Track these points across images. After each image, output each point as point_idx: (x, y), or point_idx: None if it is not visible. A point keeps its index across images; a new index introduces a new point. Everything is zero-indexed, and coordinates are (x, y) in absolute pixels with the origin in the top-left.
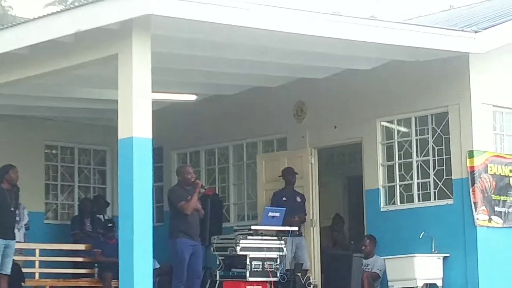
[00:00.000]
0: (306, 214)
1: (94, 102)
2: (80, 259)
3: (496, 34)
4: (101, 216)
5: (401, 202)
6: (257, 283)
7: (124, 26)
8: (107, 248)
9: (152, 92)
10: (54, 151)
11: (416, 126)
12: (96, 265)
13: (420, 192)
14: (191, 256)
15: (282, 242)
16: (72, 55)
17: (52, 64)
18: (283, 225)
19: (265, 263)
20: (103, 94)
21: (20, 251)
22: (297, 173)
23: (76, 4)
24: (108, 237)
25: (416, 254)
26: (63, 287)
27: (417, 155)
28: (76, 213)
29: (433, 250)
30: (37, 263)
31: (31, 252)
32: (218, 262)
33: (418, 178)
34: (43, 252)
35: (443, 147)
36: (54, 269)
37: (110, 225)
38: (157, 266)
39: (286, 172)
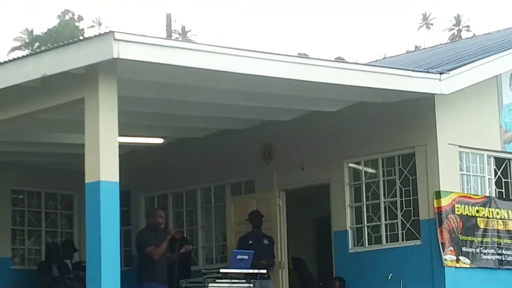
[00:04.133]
0: (274, 257)
1: (61, 146)
2: None
3: (461, 75)
4: (68, 261)
5: (369, 244)
6: None
7: (90, 70)
8: None
9: (119, 135)
10: (20, 196)
11: (383, 167)
12: None
13: (388, 233)
14: None
15: (251, 285)
16: (38, 99)
17: (18, 109)
18: (251, 268)
19: None
20: (70, 139)
21: None
22: (263, 216)
23: (42, 48)
24: (76, 276)
25: None
26: None
27: (384, 196)
28: (43, 258)
29: None
30: None
31: None
32: None
33: (386, 219)
34: None
35: (410, 188)
36: None
37: (83, 264)
38: None
39: (252, 216)
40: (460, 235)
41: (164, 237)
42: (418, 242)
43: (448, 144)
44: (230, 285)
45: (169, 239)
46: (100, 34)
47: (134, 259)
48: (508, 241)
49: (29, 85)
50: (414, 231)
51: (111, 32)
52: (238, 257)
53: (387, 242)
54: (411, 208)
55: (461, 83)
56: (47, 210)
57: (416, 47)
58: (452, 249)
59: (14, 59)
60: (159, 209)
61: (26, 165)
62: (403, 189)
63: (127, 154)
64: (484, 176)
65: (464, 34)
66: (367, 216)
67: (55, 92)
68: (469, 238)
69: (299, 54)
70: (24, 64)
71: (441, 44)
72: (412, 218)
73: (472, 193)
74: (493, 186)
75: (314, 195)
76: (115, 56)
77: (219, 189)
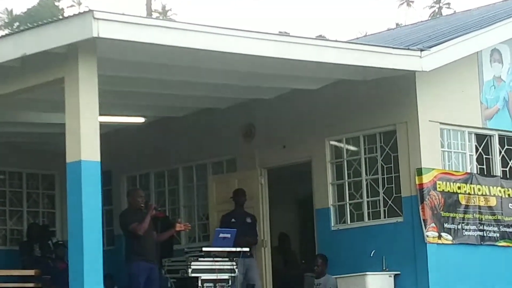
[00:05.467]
0: (257, 235)
1: (41, 126)
2: (30, 285)
3: (441, 52)
4: (49, 242)
5: (351, 221)
6: None
7: (70, 49)
8: (56, 274)
9: (100, 115)
10: (2, 176)
11: (364, 145)
12: None
13: (370, 210)
14: (146, 279)
15: (234, 263)
16: (18, 79)
17: None
18: (234, 246)
19: (217, 284)
20: (50, 118)
21: None
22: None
23: (22, 28)
24: (57, 256)
25: (367, 273)
26: None
27: (366, 174)
28: (25, 238)
29: (384, 268)
30: None
31: None
32: (169, 285)
33: (367, 197)
34: None
35: (392, 165)
36: None
37: (61, 242)
38: None
39: (236, 194)
40: (442, 212)
41: (147, 212)
42: (400, 219)
43: (429, 121)
44: (213, 263)
45: (151, 215)
46: (79, 13)
47: (118, 240)
48: (490, 217)
49: (8, 65)
50: (396, 208)
51: (91, 11)
52: (221, 235)
53: (369, 219)
54: (393, 185)
55: (441, 60)
56: (28, 190)
57: (397, 24)
58: (434, 225)
59: None
60: (138, 189)
61: (7, 145)
62: (385, 166)
63: (108, 134)
64: (465, 153)
65: (445, 11)
66: (349, 193)
67: (35, 71)
68: (451, 215)
69: (279, 32)
70: (3, 43)
71: (421, 21)
72: (394, 195)
73: (453, 169)
74: (474, 163)
75: (296, 173)
76: (95, 35)
77: (201, 168)
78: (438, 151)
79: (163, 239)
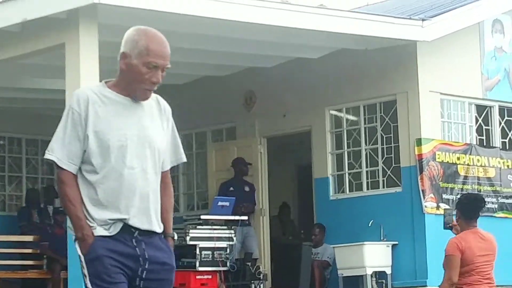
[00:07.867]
0: (255, 204)
1: (41, 92)
2: (28, 251)
3: (443, 22)
4: (51, 207)
5: (350, 191)
6: (207, 272)
7: (71, 15)
8: (55, 240)
9: (100, 81)
10: (1, 142)
11: (364, 115)
12: (44, 256)
13: (369, 180)
14: None
15: (232, 231)
16: (18, 44)
17: None
18: (232, 214)
19: (215, 252)
20: (50, 84)
21: None
22: (250, 164)
23: None
24: (56, 222)
25: (365, 242)
26: (11, 279)
27: (365, 144)
28: (24, 204)
29: (382, 238)
30: None
31: None
32: None
33: (367, 166)
34: None
35: (392, 135)
36: (2, 261)
37: (60, 208)
38: None
39: (236, 162)
40: (440, 182)
41: None
42: (399, 189)
43: (429, 91)
44: (211, 231)
45: None
46: None
47: None
48: (488, 188)
49: (9, 30)
50: (395, 178)
51: None
52: (219, 203)
53: (368, 189)
54: (392, 155)
55: (443, 30)
56: (28, 156)
57: None
58: (433, 196)
59: None
60: None
61: (6, 110)
62: (384, 136)
63: None
64: (465, 124)
65: None
66: (348, 163)
67: (35, 37)
68: (450, 185)
69: (281, 0)
70: (4, 8)
71: None
72: (393, 165)
73: (453, 140)
74: (474, 134)
75: (296, 142)
76: (96, 1)
77: (200, 135)
78: (438, 121)
79: None
